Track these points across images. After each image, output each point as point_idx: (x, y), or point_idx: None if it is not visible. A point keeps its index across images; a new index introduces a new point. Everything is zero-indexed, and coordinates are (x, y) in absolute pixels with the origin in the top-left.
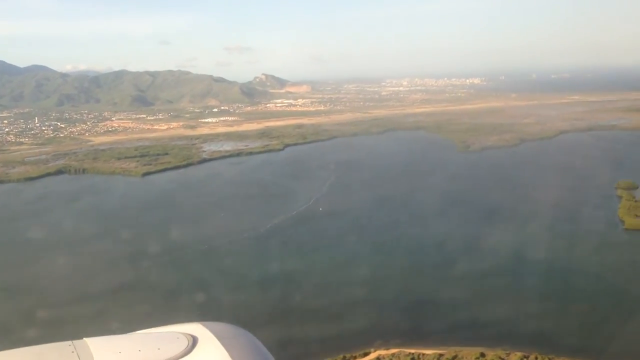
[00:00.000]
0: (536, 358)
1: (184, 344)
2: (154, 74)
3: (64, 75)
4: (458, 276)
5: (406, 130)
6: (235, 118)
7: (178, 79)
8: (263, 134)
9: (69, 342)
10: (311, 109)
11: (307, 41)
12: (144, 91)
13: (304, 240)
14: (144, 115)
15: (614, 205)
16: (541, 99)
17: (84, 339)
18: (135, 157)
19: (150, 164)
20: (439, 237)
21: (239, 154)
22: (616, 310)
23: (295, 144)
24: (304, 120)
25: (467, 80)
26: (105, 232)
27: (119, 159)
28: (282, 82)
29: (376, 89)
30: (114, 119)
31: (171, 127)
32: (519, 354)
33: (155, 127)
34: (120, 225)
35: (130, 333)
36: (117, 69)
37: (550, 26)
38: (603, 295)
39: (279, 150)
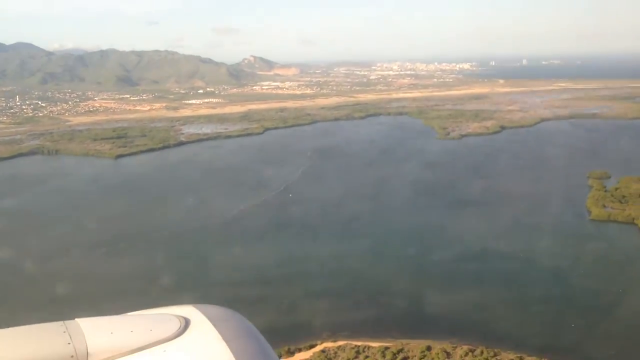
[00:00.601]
0: (482, 352)
1: (176, 325)
2: (140, 54)
3: (49, 54)
4: (412, 268)
5: (389, 115)
6: (220, 100)
7: (165, 59)
8: (245, 117)
9: (61, 323)
10: (297, 92)
11: (296, 24)
12: (130, 71)
13: (267, 230)
14: (128, 96)
15: (584, 195)
16: (528, 85)
17: (76, 319)
18: (111, 138)
19: (126, 146)
20: (402, 228)
21: (217, 137)
22: (566, 304)
23: (276, 128)
24: (288, 104)
25: (457, 66)
26: (62, 218)
27: (94, 140)
28: (270, 64)
29: (365, 73)
30: (96, 98)
31: (153, 108)
32: (466, 347)
33: (137, 107)
34: (80, 211)
35: (123, 314)
36: (105, 47)
37: (542, 11)
38: (554, 289)
39: (258, 134)
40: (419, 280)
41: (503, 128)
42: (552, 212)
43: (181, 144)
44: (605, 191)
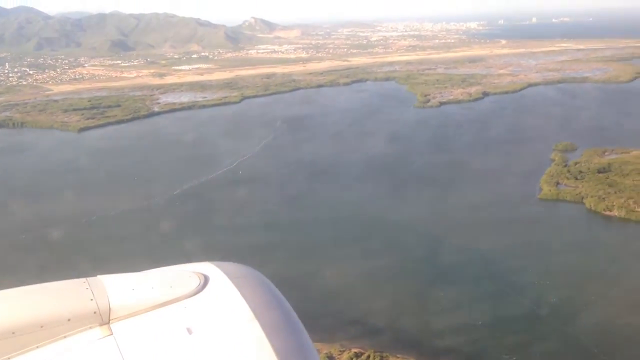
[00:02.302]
0: (368, 357)
1: (195, 282)
2: (138, 17)
3: (46, 18)
4: (338, 255)
5: (376, 81)
6: (210, 66)
7: (163, 22)
8: (228, 84)
9: (84, 279)
10: (292, 56)
11: None
12: (127, 35)
13: (195, 215)
14: (119, 62)
15: (543, 171)
16: (529, 46)
17: (98, 276)
18: (84, 109)
19: (94, 118)
20: (345, 209)
21: (191, 106)
22: (479, 303)
23: (255, 96)
24: (278, 69)
25: (465, 25)
26: None
27: (66, 111)
28: (271, 26)
29: (368, 34)
30: (86, 65)
31: (140, 75)
32: (355, 349)
33: (124, 74)
34: (17, 192)
35: (144, 271)
36: (109, 10)
37: None
38: (470, 282)
39: (235, 102)
40: (324, 273)
41: (486, 95)
42: (502, 191)
43: (152, 114)
44: (565, 166)
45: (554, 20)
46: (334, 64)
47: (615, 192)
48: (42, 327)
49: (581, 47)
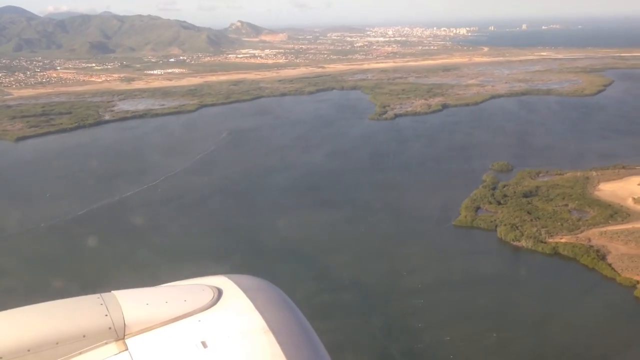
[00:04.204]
0: None
1: (209, 296)
2: (122, 19)
3: (29, 19)
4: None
5: (342, 89)
6: (183, 70)
7: (146, 25)
8: (192, 91)
9: (98, 295)
10: (270, 61)
11: None
12: (110, 37)
13: (97, 237)
14: (94, 65)
15: (470, 193)
16: (509, 54)
17: (112, 292)
18: (33, 115)
19: (38, 126)
20: (247, 234)
21: (144, 115)
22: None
23: (213, 105)
24: (250, 75)
25: (454, 31)
26: None
27: (14, 118)
28: (257, 30)
29: (355, 39)
30: (59, 68)
31: (108, 79)
32: None
33: (92, 78)
34: None
35: (157, 286)
36: (100, 10)
37: None
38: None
39: (190, 111)
40: None
41: (445, 107)
42: (420, 215)
43: (99, 123)
44: (493, 188)
45: (543, 27)
46: (308, 71)
47: (532, 220)
48: (57, 343)
49: (560, 56)
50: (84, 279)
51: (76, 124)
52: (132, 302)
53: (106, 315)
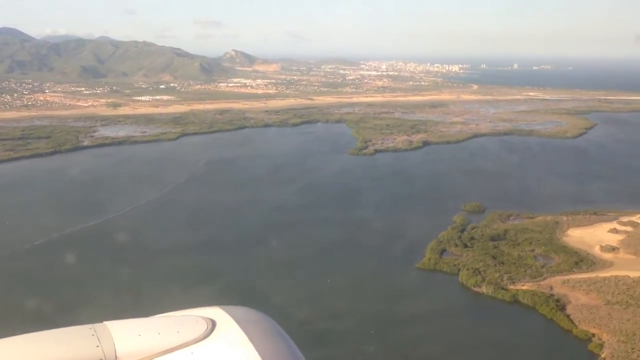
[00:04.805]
0: None
1: (202, 327)
2: (117, 44)
3: (24, 41)
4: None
5: (327, 122)
6: (172, 97)
7: (140, 51)
8: (177, 118)
9: (89, 326)
10: (259, 91)
11: (287, 18)
12: (103, 62)
13: (41, 272)
14: (83, 89)
15: (438, 234)
16: (498, 93)
17: (104, 322)
18: (12, 139)
19: (13, 150)
20: (196, 276)
21: (123, 142)
22: None
23: (195, 134)
24: (238, 105)
25: (447, 67)
26: None
27: None
28: (251, 59)
29: (347, 72)
30: (47, 91)
31: (94, 104)
32: None
33: (79, 103)
34: None
35: (150, 317)
36: (97, 35)
37: (542, 13)
38: None
39: (171, 139)
40: None
41: (426, 144)
42: (386, 256)
43: (76, 149)
44: (461, 231)
45: (534, 67)
46: (296, 102)
47: (495, 265)
48: None
49: (547, 96)
50: None
51: (52, 149)
52: (124, 333)
53: (97, 346)
